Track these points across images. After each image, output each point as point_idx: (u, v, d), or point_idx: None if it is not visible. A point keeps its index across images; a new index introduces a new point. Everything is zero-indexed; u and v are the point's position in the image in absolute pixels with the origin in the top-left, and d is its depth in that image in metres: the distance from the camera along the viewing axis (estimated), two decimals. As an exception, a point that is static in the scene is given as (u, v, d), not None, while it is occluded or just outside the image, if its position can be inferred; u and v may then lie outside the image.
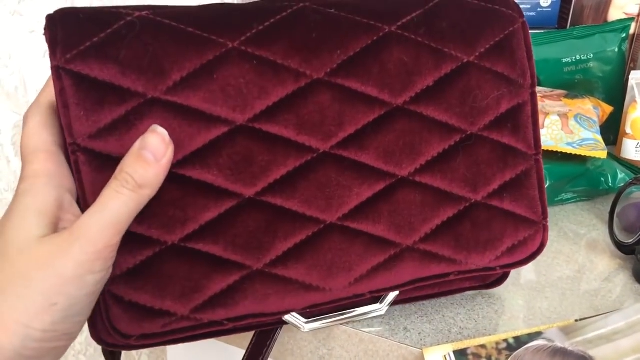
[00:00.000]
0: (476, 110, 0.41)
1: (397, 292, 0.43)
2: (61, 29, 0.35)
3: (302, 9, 0.39)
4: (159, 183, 0.34)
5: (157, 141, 0.34)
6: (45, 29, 0.36)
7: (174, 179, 0.36)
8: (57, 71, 0.35)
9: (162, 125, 0.36)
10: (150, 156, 0.33)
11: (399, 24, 0.40)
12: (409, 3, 0.41)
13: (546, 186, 0.57)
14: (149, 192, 0.34)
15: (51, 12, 0.37)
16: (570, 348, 0.39)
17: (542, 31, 0.71)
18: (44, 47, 1.01)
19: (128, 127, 0.35)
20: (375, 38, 0.39)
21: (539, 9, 0.73)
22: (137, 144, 0.34)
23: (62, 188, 0.34)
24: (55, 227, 0.33)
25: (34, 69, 0.98)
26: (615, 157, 0.65)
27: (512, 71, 0.42)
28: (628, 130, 0.63)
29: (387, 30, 0.39)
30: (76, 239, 0.32)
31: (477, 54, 0.41)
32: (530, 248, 0.43)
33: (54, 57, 0.35)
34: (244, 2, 0.42)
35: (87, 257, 0.32)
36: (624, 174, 0.59)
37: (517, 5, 0.43)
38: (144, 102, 0.36)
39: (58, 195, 0.34)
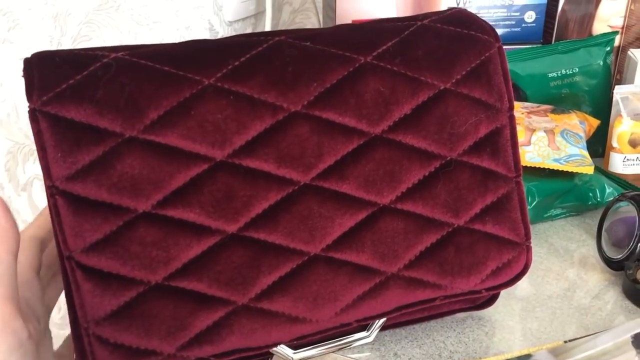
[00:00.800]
0: (455, 136, 0.41)
1: (383, 320, 0.43)
2: (37, 72, 0.36)
3: (277, 43, 0.39)
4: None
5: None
6: (23, 72, 0.36)
7: (155, 220, 0.36)
8: (34, 114, 0.35)
9: (140, 165, 0.36)
10: None
11: (374, 54, 0.40)
12: (384, 32, 0.41)
13: (535, 203, 0.57)
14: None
15: (28, 55, 0.37)
16: (558, 371, 0.39)
17: (528, 47, 0.71)
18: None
19: (106, 168, 0.36)
20: (351, 69, 0.39)
21: (523, 25, 0.74)
22: None
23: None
24: None
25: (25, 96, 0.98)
26: (603, 171, 0.65)
27: (489, 96, 0.42)
28: (614, 144, 0.64)
29: (362, 61, 0.40)
30: None
31: (454, 80, 0.41)
32: (514, 269, 0.43)
33: (30, 100, 0.35)
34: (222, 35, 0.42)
35: None
36: (611, 188, 0.59)
37: (493, 29, 0.43)
38: (121, 142, 0.36)
39: None
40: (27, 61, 0.36)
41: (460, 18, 0.43)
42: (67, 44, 0.98)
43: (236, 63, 0.38)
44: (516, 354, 0.41)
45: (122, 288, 0.36)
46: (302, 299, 0.39)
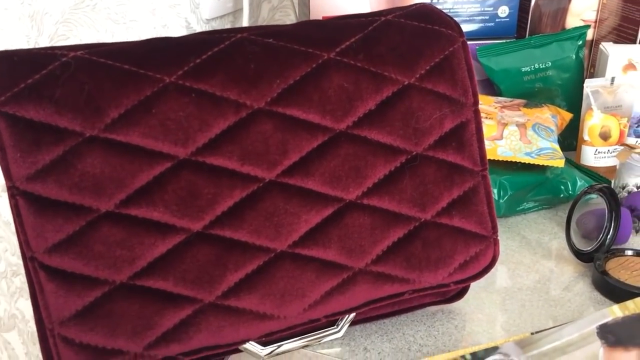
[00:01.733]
0: (420, 131, 0.41)
1: (352, 315, 0.43)
2: (-5, 73, 0.35)
3: (239, 40, 0.39)
4: None
5: None
6: (-20, 74, 0.36)
7: (119, 219, 0.36)
8: None
9: (102, 164, 0.36)
10: None
11: (338, 50, 0.40)
12: (348, 28, 0.41)
13: (507, 196, 0.57)
14: None
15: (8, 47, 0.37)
16: (524, 363, 0.39)
17: (501, 42, 0.72)
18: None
19: (67, 167, 0.35)
20: (314, 65, 0.39)
21: (497, 20, 0.74)
22: None
23: None
24: None
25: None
26: (575, 163, 0.65)
27: (454, 91, 0.42)
28: (586, 137, 0.64)
29: (325, 57, 0.40)
30: None
31: (418, 75, 0.41)
32: (482, 263, 0.44)
33: None
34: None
35: None
36: (583, 181, 0.60)
37: (457, 24, 0.43)
38: (82, 141, 0.36)
39: None
40: (-16, 62, 0.36)
41: (424, 13, 0.43)
42: (44, 44, 0.97)
43: (197, 60, 0.38)
44: (483, 346, 0.41)
45: (87, 288, 0.36)
46: (269, 295, 0.39)
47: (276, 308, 0.40)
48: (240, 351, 0.41)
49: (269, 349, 0.42)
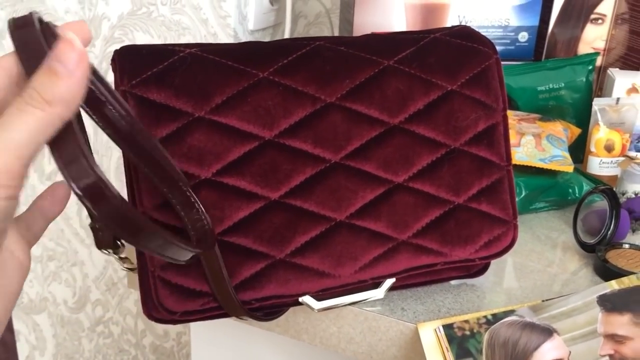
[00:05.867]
0: (458, 128, 0.50)
1: (393, 279, 0.51)
2: (127, 61, 0.44)
3: (318, 47, 0.48)
4: (74, 100, 0.27)
5: (67, 49, 0.27)
6: (112, 60, 0.45)
7: (214, 185, 0.45)
8: (124, 94, 0.44)
9: (205, 139, 0.45)
10: (61, 67, 0.27)
11: (396, 59, 0.49)
12: (404, 42, 0.50)
13: (522, 196, 0.66)
14: (59, 111, 0.27)
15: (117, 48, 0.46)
16: (537, 322, 0.48)
17: (520, 63, 0.81)
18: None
19: (178, 141, 0.44)
20: (376, 70, 0.48)
21: (517, 44, 0.83)
22: (49, 54, 0.27)
23: None
24: None
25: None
26: (582, 172, 0.74)
27: (488, 97, 0.51)
28: (592, 148, 0.73)
29: (386, 64, 0.49)
30: None
31: (459, 83, 0.50)
32: (503, 243, 0.52)
33: (122, 83, 0.44)
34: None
35: None
36: (588, 186, 0.69)
37: (492, 43, 0.53)
38: (191, 120, 0.44)
39: None
40: (117, 52, 0.45)
41: (465, 33, 0.52)
42: (100, 45, 1.07)
43: (285, 61, 0.47)
44: (502, 309, 0.49)
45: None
46: (328, 257, 0.48)
47: (333, 268, 0.48)
48: (300, 303, 0.50)
49: (322, 303, 0.50)
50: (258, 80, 0.46)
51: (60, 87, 0.27)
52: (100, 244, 0.44)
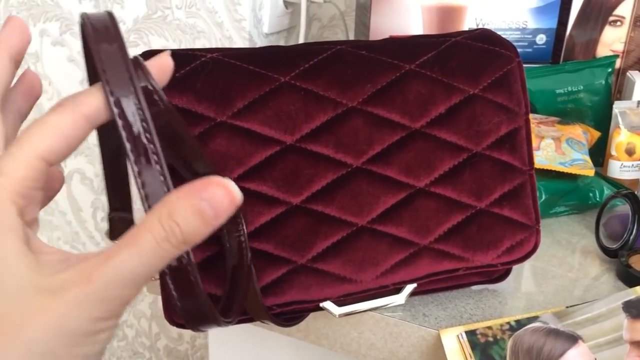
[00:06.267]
0: (480, 133, 0.50)
1: (415, 285, 0.51)
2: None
3: (339, 51, 0.48)
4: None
5: (224, 197, 0.25)
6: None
7: None
8: None
9: (227, 144, 0.45)
10: (211, 213, 0.25)
11: (417, 62, 0.49)
12: (425, 46, 0.50)
13: (542, 200, 0.65)
14: (185, 250, 0.26)
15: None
16: (561, 329, 0.47)
17: (538, 65, 0.80)
18: (82, 75, 1.11)
19: (200, 145, 0.44)
20: (398, 74, 0.48)
21: (535, 46, 0.83)
22: (198, 189, 0.25)
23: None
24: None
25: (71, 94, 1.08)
26: (602, 176, 0.74)
27: (510, 101, 0.50)
28: (613, 152, 0.72)
29: (407, 68, 0.48)
30: (91, 290, 0.24)
31: (481, 87, 0.50)
32: (525, 248, 0.51)
33: None
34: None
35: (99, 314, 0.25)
36: (609, 190, 0.68)
37: (514, 47, 0.52)
38: (213, 125, 0.44)
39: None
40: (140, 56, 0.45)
41: (487, 36, 0.52)
42: (115, 49, 1.07)
43: (306, 65, 0.47)
44: (526, 315, 0.49)
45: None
46: (350, 262, 0.48)
47: (354, 273, 0.48)
48: (321, 309, 0.49)
49: (343, 309, 0.50)
50: (279, 85, 0.46)
51: (204, 233, 0.25)
52: (114, 236, 0.44)
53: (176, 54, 0.45)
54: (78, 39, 1.09)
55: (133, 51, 1.09)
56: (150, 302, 1.22)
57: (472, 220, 0.50)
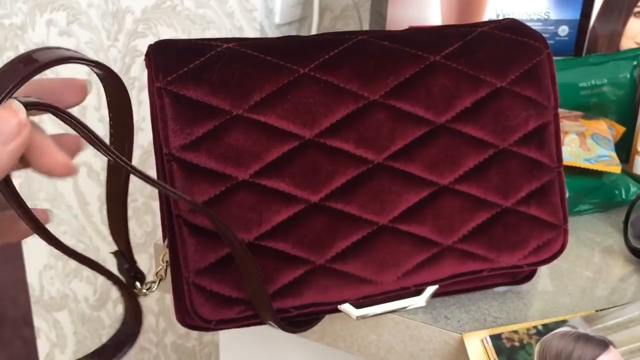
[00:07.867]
0: (507, 128, 0.47)
1: (437, 286, 0.49)
2: (162, 57, 0.42)
3: (361, 41, 0.45)
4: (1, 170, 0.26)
5: (9, 120, 0.26)
6: (146, 56, 0.43)
7: (253, 187, 0.43)
8: (159, 91, 0.42)
9: (244, 139, 0.42)
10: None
11: (442, 54, 0.46)
12: (451, 36, 0.48)
13: (566, 198, 0.63)
14: None
15: (152, 43, 0.44)
16: (591, 334, 0.45)
17: (560, 58, 0.78)
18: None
19: (215, 140, 0.42)
20: (422, 66, 0.46)
21: (557, 38, 0.80)
22: None
23: None
24: None
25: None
26: (628, 173, 0.71)
27: (539, 95, 0.48)
28: (639, 148, 0.70)
29: (432, 60, 0.46)
30: None
31: (509, 80, 0.47)
32: (553, 249, 0.49)
33: (157, 79, 0.42)
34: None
35: None
36: (635, 188, 0.65)
37: (543, 38, 0.50)
38: (229, 118, 0.42)
39: None
40: (152, 47, 0.43)
41: (514, 26, 0.49)
42: (123, 39, 1.05)
43: (327, 56, 0.44)
44: (554, 319, 0.47)
45: (221, 244, 0.43)
46: (370, 262, 0.45)
47: (375, 274, 0.46)
48: (339, 311, 0.47)
49: (362, 311, 0.48)
50: (299, 77, 0.43)
51: None
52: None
53: (191, 44, 0.43)
54: (85, 29, 1.07)
55: (141, 42, 1.07)
56: (157, 297, 1.21)
57: (497, 219, 0.48)
